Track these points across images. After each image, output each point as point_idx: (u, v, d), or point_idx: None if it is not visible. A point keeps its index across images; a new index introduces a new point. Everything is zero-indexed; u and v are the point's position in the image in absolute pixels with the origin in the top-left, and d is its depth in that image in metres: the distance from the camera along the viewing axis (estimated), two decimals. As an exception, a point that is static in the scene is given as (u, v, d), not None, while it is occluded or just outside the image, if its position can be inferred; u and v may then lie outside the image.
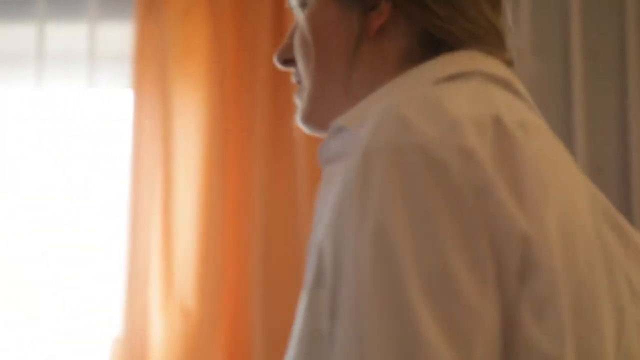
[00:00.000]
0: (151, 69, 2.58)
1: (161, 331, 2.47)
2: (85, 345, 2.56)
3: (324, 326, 0.72)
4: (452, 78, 0.84)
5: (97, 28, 2.64)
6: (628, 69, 2.45)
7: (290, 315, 2.47)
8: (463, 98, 0.77)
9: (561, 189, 0.76)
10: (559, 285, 0.70)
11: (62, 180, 2.62)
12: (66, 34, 2.67)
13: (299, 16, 0.97)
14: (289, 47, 0.99)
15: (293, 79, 1.00)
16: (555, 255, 0.71)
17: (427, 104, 0.74)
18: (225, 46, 2.58)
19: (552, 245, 0.71)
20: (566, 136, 2.49)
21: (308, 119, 0.98)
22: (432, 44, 0.90)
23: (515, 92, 0.88)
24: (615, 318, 0.76)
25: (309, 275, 0.79)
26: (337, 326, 0.70)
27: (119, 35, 2.63)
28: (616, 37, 2.49)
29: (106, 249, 2.59)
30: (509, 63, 0.94)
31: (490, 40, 0.92)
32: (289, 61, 0.99)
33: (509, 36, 0.95)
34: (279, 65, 1.01)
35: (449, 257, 0.67)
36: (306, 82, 0.97)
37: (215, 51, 2.57)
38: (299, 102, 0.99)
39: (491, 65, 0.88)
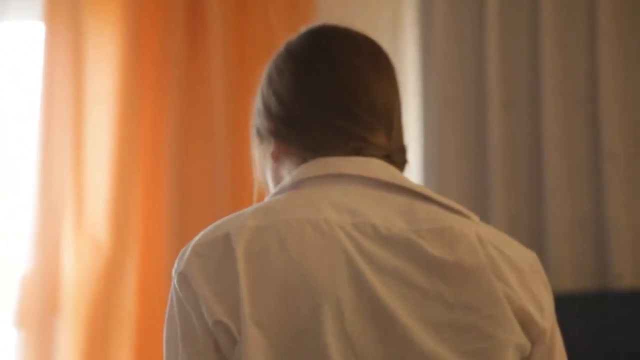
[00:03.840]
0: (64, 1, 2.51)
1: (73, 266, 2.44)
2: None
3: None
4: (281, 191, 1.14)
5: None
6: (541, 7, 2.50)
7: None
8: (230, 219, 1.09)
9: (286, 266, 1.03)
10: (254, 346, 1.00)
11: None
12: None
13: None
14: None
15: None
16: (249, 327, 1.00)
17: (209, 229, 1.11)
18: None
19: (246, 321, 1.00)
20: (478, 74, 2.54)
21: None
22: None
23: (351, 180, 1.12)
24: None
25: None
26: None
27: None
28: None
29: (15, 182, 2.53)
30: (384, 154, 1.16)
31: (350, 143, 1.15)
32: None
33: (382, 135, 1.17)
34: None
35: (177, 343, 1.05)
36: None
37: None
38: None
39: (323, 167, 1.14)
